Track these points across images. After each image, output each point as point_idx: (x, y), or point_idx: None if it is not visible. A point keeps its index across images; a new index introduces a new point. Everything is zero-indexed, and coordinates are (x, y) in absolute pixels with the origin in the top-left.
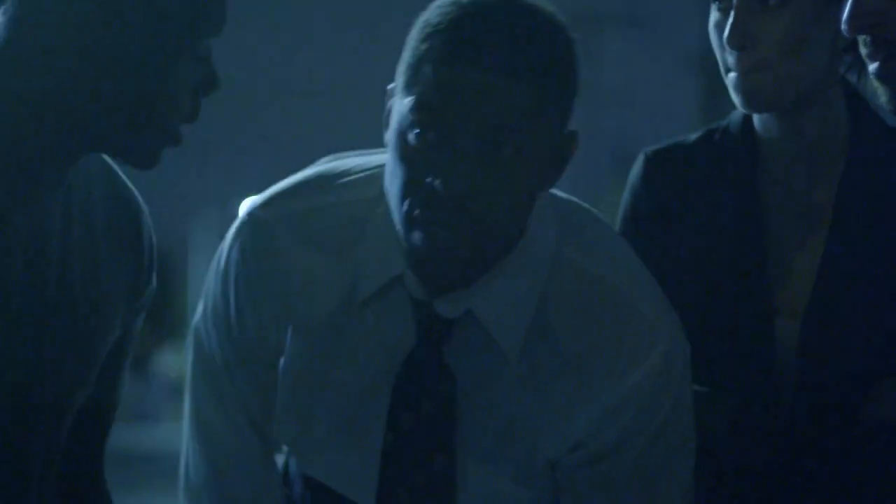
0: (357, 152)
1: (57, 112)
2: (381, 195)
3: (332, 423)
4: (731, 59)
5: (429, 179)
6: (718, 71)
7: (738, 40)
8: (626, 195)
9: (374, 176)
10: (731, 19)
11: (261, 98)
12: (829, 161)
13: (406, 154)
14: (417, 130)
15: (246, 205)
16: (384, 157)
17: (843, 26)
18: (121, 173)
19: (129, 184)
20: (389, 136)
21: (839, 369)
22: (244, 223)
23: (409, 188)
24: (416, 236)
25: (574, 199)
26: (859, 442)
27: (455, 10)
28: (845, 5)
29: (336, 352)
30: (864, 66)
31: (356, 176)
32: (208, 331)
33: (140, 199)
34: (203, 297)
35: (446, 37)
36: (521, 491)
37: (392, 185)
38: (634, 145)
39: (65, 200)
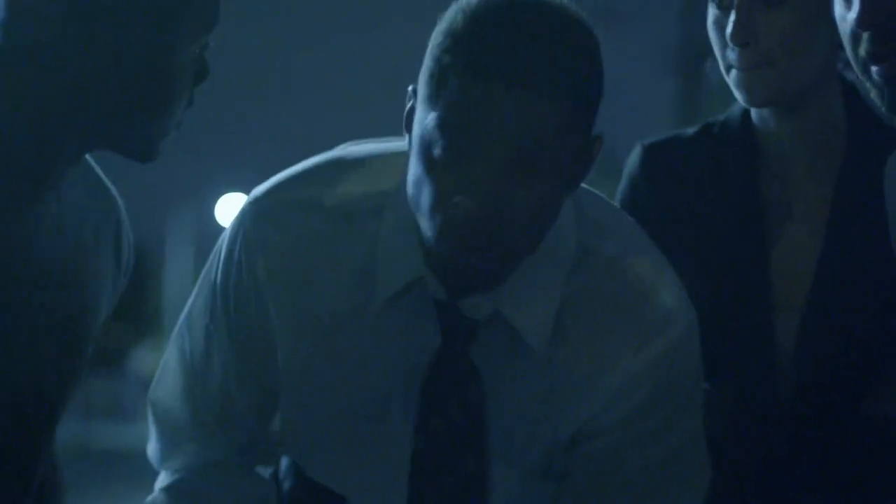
0: (372, 140)
1: (58, 112)
2: (397, 187)
3: (353, 428)
4: (732, 56)
5: (457, 198)
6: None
7: (742, 37)
8: (623, 186)
9: (390, 165)
10: (733, 16)
11: (239, 95)
12: (828, 156)
13: (432, 169)
14: (443, 147)
15: (223, 203)
16: (401, 145)
17: (854, 22)
18: (100, 172)
19: (109, 184)
20: (413, 144)
21: (838, 364)
22: (248, 209)
23: (438, 205)
24: (447, 253)
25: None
26: (860, 437)
27: (481, 15)
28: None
29: (353, 352)
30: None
31: (370, 165)
32: (197, 327)
33: (118, 198)
34: (193, 297)
35: (473, 48)
36: (548, 485)
37: (419, 197)
38: (612, 142)
39: (59, 201)
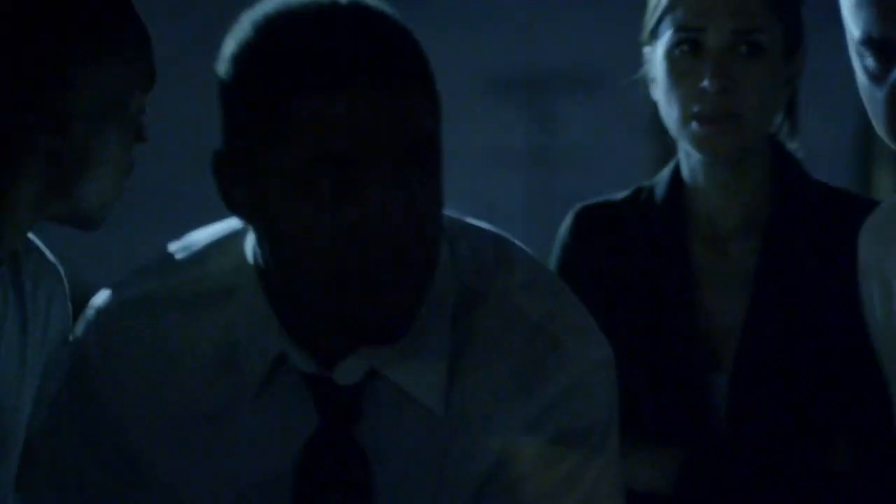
0: (199, 230)
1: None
2: (240, 266)
3: None
4: (696, 107)
5: (359, 241)
6: (669, 134)
7: (722, 82)
8: (555, 249)
9: (232, 244)
10: (712, 63)
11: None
12: (756, 216)
13: (315, 219)
14: (324, 186)
15: None
16: (229, 224)
17: (875, 26)
18: (41, 244)
19: (49, 254)
20: (265, 203)
21: (768, 420)
22: (93, 319)
23: (342, 261)
24: (366, 310)
25: (457, 216)
26: (803, 490)
27: (302, 29)
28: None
29: (229, 453)
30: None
31: (212, 248)
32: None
33: (46, 252)
34: (40, 434)
35: (315, 63)
36: None
37: (306, 260)
38: None
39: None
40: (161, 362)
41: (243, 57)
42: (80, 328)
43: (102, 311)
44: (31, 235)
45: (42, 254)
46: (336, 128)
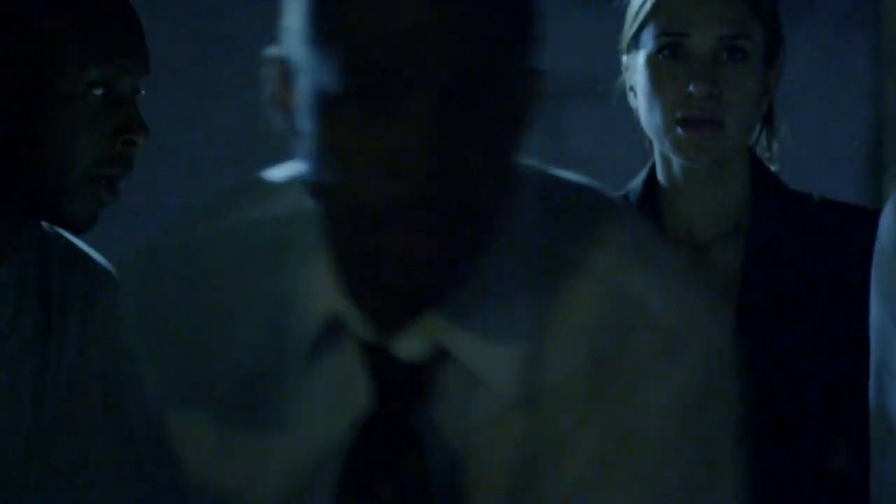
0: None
1: None
2: (299, 211)
3: None
4: (680, 113)
5: (389, 170)
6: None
7: (708, 88)
8: None
9: (287, 187)
10: (698, 68)
11: (237, 154)
12: (738, 222)
13: (344, 140)
14: (354, 100)
15: None
16: (296, 167)
17: None
18: (73, 240)
19: (85, 248)
20: (300, 116)
21: (762, 427)
22: (133, 263)
23: (365, 193)
24: (388, 251)
25: (556, 170)
26: (803, 493)
27: None
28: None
29: (264, 429)
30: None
31: (264, 190)
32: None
33: (98, 261)
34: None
35: None
36: None
37: (334, 191)
38: None
39: (17, 273)
40: (202, 322)
41: None
42: (125, 272)
43: (140, 261)
44: (77, 241)
45: (89, 260)
46: (373, 34)
